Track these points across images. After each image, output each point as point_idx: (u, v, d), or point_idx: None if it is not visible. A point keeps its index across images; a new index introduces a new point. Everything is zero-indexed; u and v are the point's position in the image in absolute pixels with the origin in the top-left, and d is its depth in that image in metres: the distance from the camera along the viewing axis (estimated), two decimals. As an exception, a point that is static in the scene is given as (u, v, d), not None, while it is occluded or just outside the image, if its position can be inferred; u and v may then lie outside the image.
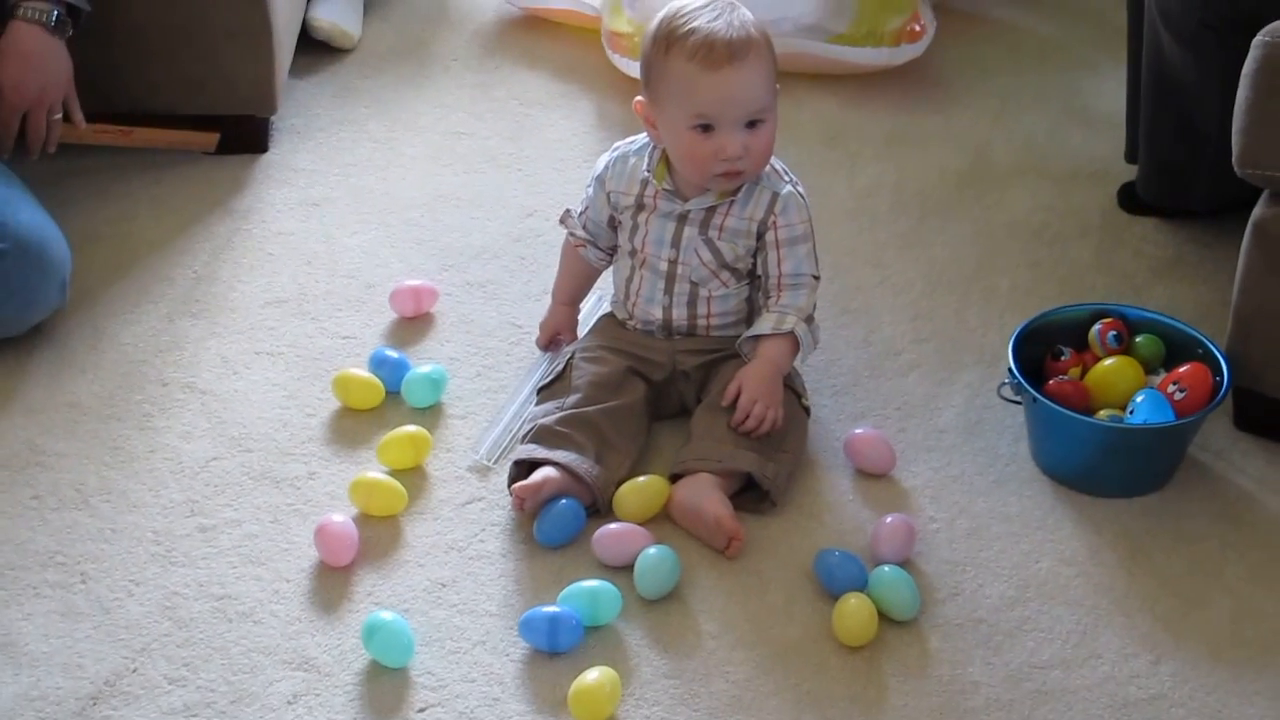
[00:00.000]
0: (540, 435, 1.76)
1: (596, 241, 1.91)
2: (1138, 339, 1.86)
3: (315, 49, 2.64)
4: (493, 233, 2.24)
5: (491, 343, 2.01)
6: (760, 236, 1.80)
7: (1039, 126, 2.52)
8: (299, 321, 2.05)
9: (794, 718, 1.52)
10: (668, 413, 1.88)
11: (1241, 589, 1.67)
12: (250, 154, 2.38)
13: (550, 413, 1.79)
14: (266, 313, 2.06)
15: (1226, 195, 2.05)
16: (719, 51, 1.70)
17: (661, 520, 1.73)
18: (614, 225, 1.88)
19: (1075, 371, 1.83)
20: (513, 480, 1.74)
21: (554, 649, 1.57)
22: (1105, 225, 2.26)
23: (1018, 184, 2.37)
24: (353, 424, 1.88)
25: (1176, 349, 1.84)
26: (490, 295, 2.11)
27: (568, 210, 1.93)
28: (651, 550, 1.65)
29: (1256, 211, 1.77)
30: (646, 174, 1.82)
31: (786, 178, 1.82)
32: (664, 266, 1.83)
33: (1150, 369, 1.84)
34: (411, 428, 1.82)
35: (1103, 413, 1.77)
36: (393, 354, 1.94)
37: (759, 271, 1.83)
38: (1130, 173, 2.29)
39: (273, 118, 2.41)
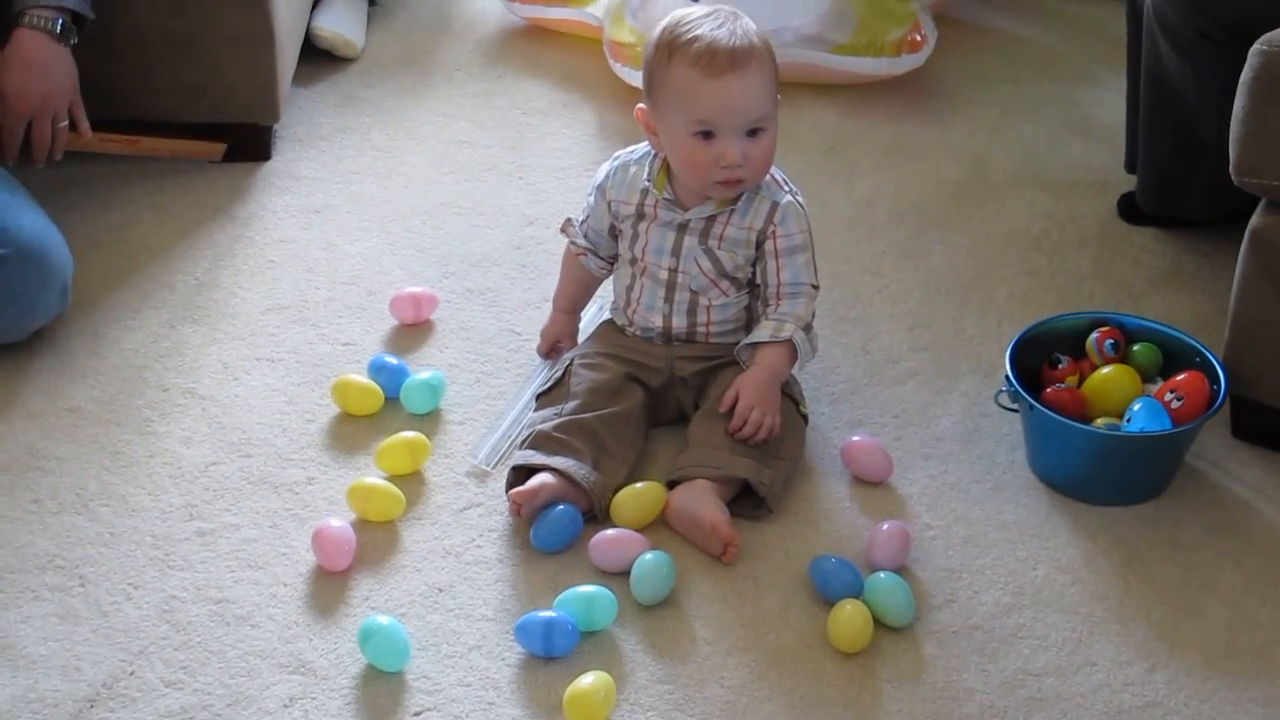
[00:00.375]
0: (538, 441, 1.77)
1: (597, 250, 1.92)
2: (1135, 347, 1.87)
3: (318, 58, 2.66)
4: (493, 240, 2.24)
5: (491, 350, 2.02)
6: (759, 245, 1.81)
7: (1038, 137, 2.52)
8: (299, 328, 2.05)
9: (788, 723, 1.52)
10: (665, 419, 1.88)
11: (1237, 598, 1.67)
12: (252, 161, 2.39)
13: (548, 418, 1.79)
14: (267, 319, 2.07)
15: (1225, 204, 2.05)
16: (721, 59, 1.71)
17: (658, 526, 1.73)
18: (615, 234, 1.89)
19: (1072, 380, 1.83)
20: (510, 486, 1.75)
21: (549, 654, 1.57)
22: (1104, 235, 2.27)
23: (1017, 194, 2.37)
24: (351, 429, 1.88)
25: (1173, 357, 1.84)
26: (490, 302, 2.11)
27: (569, 219, 1.94)
28: (647, 556, 1.65)
29: (1254, 220, 1.78)
30: (647, 183, 1.83)
31: (786, 187, 1.83)
32: (664, 275, 1.84)
33: (1147, 377, 1.84)
34: (410, 433, 1.82)
35: (1099, 421, 1.77)
36: (392, 360, 1.94)
37: (758, 280, 1.83)
38: (1130, 183, 2.29)
39: (275, 126, 2.41)
